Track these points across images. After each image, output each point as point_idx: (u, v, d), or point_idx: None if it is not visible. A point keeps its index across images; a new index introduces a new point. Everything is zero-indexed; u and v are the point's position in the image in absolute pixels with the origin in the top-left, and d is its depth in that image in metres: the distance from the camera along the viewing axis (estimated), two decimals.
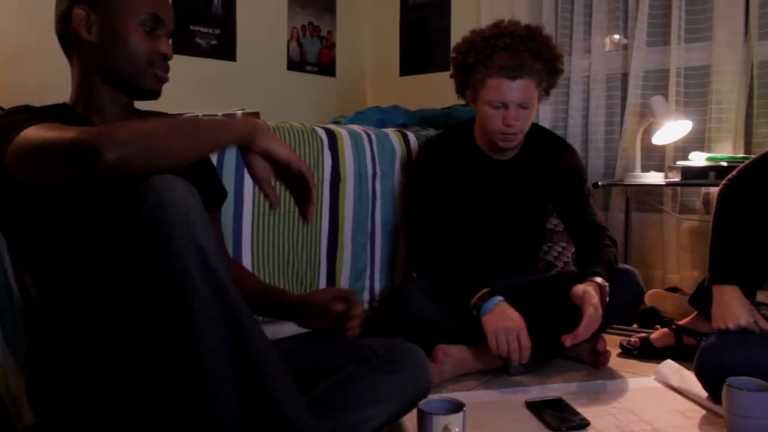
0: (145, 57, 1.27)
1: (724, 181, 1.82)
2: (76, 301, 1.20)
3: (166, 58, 1.30)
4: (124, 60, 1.26)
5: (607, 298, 1.91)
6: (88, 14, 1.25)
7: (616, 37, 2.93)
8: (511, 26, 2.05)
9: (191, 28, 2.88)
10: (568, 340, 1.82)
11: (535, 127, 2.21)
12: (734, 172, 1.81)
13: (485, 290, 1.91)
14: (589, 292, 1.86)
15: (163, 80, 1.32)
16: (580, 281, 1.93)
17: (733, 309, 1.71)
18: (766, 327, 1.70)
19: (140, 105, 1.38)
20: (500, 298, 1.89)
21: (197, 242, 1.02)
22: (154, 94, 1.32)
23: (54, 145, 1.04)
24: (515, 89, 1.96)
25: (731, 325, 1.69)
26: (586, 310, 1.83)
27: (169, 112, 1.49)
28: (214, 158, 1.76)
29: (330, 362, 1.39)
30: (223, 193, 1.54)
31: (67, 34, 1.28)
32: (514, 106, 1.97)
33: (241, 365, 1.05)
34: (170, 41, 1.32)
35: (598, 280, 1.92)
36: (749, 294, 1.86)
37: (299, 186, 1.22)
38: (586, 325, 1.83)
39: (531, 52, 1.98)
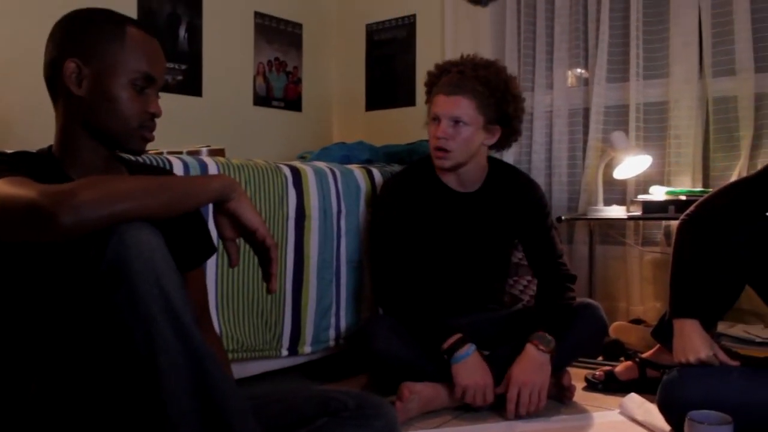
0: (135, 118, 1.25)
1: (682, 216, 1.86)
2: (35, 343, 1.18)
3: (155, 116, 1.29)
4: (114, 120, 1.24)
5: (551, 349, 1.93)
6: (80, 68, 1.22)
7: (580, 71, 2.99)
8: (474, 58, 2.12)
9: None
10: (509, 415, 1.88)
11: (498, 162, 2.24)
12: (692, 207, 1.85)
13: (458, 336, 1.92)
14: (514, 376, 1.90)
15: (149, 140, 1.30)
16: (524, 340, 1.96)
17: (693, 342, 1.74)
18: (725, 359, 1.72)
19: None
20: (473, 347, 1.91)
21: (161, 286, 1.02)
22: (138, 153, 1.31)
23: (12, 205, 1.02)
24: (448, 103, 2.01)
25: (692, 359, 1.71)
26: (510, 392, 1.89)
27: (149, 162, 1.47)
28: None
29: (300, 414, 1.38)
30: (211, 249, 1.52)
31: (55, 83, 1.25)
32: (446, 119, 2.01)
33: (206, 409, 1.03)
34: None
35: (535, 341, 1.93)
36: (709, 326, 1.89)
37: (263, 254, 1.22)
38: (511, 408, 1.88)
39: (479, 79, 2.03)
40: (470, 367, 1.89)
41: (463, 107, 2.01)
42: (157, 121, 1.31)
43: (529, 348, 1.93)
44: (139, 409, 1.03)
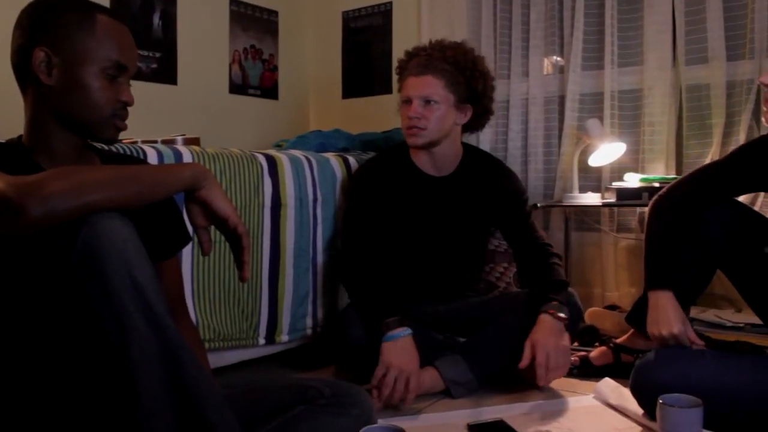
0: (107, 106, 1.24)
1: (655, 197, 1.89)
2: (5, 335, 1.17)
3: (127, 105, 1.28)
4: (85, 109, 1.23)
5: (566, 318, 1.94)
6: (49, 57, 1.20)
7: (557, 58, 3.00)
8: (442, 41, 2.15)
9: None
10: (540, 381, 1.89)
11: (473, 148, 2.25)
12: (663, 190, 1.89)
13: (396, 318, 1.91)
14: (540, 341, 1.89)
15: (122, 129, 1.29)
16: (538, 309, 1.95)
17: (667, 315, 1.78)
18: (695, 339, 1.75)
19: None
20: (408, 331, 1.89)
21: (133, 276, 1.01)
22: (110, 142, 1.30)
23: None
24: (418, 83, 2.03)
25: (664, 332, 1.75)
26: (538, 361, 1.88)
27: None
28: None
29: (276, 403, 1.39)
30: (186, 238, 1.51)
31: (23, 70, 1.23)
32: (417, 99, 2.02)
33: (181, 400, 1.03)
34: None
35: (551, 310, 1.94)
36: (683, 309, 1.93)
37: (235, 242, 1.22)
38: (543, 373, 1.88)
39: (446, 59, 2.05)
40: (399, 348, 1.86)
41: (433, 86, 2.03)
42: (132, 109, 1.30)
43: (545, 317, 1.93)
44: (113, 400, 1.03)
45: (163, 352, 1.02)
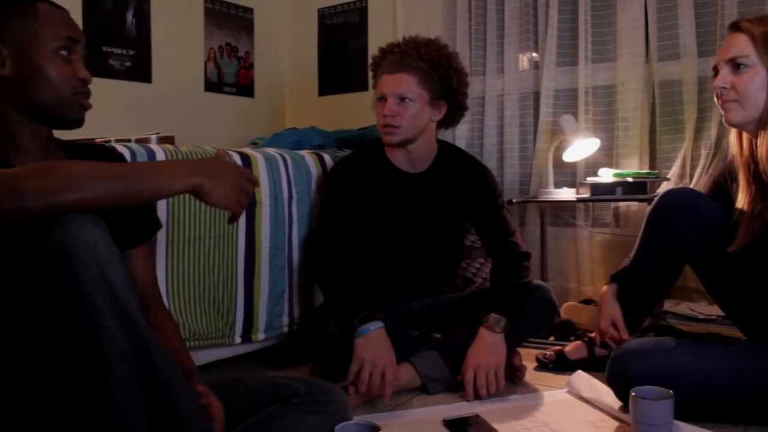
0: (67, 86, 1.24)
1: (652, 205, 1.94)
2: None
3: (86, 82, 1.28)
4: (45, 93, 1.23)
5: (502, 329, 1.95)
6: (0, 50, 1.21)
7: (534, 54, 3.01)
8: (416, 38, 2.15)
9: (104, 49, 2.82)
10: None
11: (448, 144, 2.25)
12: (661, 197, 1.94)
13: (367, 312, 1.91)
14: (470, 359, 1.91)
15: (87, 107, 1.29)
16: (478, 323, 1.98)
17: (600, 309, 1.94)
18: (614, 335, 1.89)
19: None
20: (380, 324, 1.89)
21: (105, 276, 1.01)
22: (79, 123, 1.29)
23: None
24: (393, 81, 2.03)
25: (602, 324, 1.91)
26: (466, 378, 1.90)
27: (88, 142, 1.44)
28: None
29: (251, 401, 1.39)
30: (156, 224, 1.51)
31: None
32: (392, 97, 2.03)
33: (154, 400, 1.03)
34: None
35: (487, 324, 1.95)
36: (651, 304, 1.99)
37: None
38: (470, 391, 1.89)
39: (421, 56, 2.06)
40: (371, 342, 1.86)
41: (407, 84, 2.03)
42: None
43: (482, 331, 1.95)
44: (86, 399, 1.03)
45: (135, 351, 1.02)
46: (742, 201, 1.71)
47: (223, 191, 1.17)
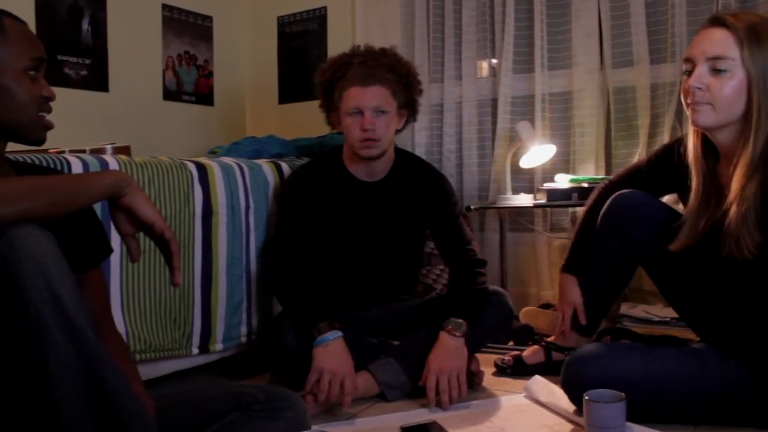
0: (33, 105, 1.24)
1: (601, 183, 2.04)
2: None
3: (49, 99, 1.28)
4: (13, 112, 1.22)
5: (463, 333, 1.97)
6: None
7: (493, 61, 3.04)
8: (366, 48, 2.15)
9: (59, 58, 2.79)
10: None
11: (404, 153, 2.26)
12: (613, 176, 2.05)
13: (326, 322, 1.90)
14: (431, 364, 1.92)
15: (50, 127, 1.29)
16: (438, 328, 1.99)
17: (560, 295, 2.04)
18: (566, 326, 2.06)
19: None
20: (338, 334, 1.89)
21: (52, 289, 1.00)
22: (40, 142, 1.29)
23: None
24: (369, 94, 2.02)
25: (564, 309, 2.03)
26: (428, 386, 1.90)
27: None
28: None
29: (211, 410, 1.39)
30: (107, 249, 1.50)
31: None
32: (370, 110, 2.02)
33: (101, 413, 1.02)
34: None
35: (449, 327, 1.96)
36: (607, 303, 2.03)
37: (164, 247, 1.22)
38: (432, 396, 1.90)
39: (384, 66, 2.06)
40: (330, 352, 1.86)
41: (384, 96, 2.04)
42: (61, 118, 1.30)
43: (443, 335, 1.96)
44: (33, 413, 1.02)
45: (83, 365, 1.01)
46: (691, 202, 1.71)
47: (148, 203, 1.18)
